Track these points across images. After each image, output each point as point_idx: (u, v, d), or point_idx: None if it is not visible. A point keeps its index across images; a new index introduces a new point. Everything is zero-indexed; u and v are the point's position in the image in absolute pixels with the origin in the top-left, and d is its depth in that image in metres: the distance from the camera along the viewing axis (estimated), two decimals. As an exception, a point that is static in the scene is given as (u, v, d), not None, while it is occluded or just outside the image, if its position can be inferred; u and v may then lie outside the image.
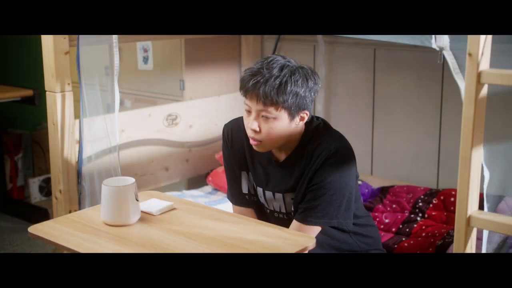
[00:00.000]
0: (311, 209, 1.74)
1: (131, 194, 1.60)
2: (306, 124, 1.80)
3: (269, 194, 1.86)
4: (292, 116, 1.71)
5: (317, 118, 1.86)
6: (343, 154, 1.73)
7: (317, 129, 1.80)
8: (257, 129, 1.71)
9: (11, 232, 3.52)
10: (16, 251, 3.27)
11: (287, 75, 1.68)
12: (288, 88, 1.67)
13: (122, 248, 1.49)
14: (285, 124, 1.71)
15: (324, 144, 1.74)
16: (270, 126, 1.70)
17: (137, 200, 1.63)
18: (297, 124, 1.75)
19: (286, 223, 1.81)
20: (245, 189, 1.93)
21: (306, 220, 1.75)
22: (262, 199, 1.90)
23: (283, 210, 1.86)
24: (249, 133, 1.74)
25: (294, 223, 1.77)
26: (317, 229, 1.77)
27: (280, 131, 1.71)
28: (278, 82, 1.66)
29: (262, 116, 1.70)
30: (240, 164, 1.90)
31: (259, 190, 1.89)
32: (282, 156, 1.82)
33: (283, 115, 1.70)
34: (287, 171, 1.81)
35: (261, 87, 1.66)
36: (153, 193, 1.87)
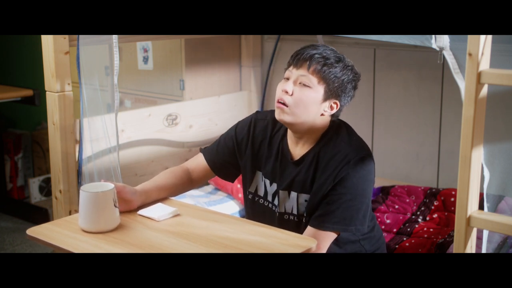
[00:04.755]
0: (327, 214, 1.71)
1: (109, 200, 1.57)
2: (330, 121, 1.79)
3: (283, 193, 1.83)
4: (326, 95, 1.72)
5: (341, 120, 1.86)
6: (361, 163, 1.71)
7: (338, 132, 1.79)
8: (290, 91, 1.72)
9: (11, 232, 3.52)
10: (16, 251, 3.27)
11: (339, 59, 1.74)
12: (336, 68, 1.72)
13: (120, 250, 1.49)
14: (317, 100, 1.72)
15: (342, 153, 1.72)
16: (303, 93, 1.71)
17: (116, 207, 1.60)
18: (325, 111, 1.75)
19: (295, 227, 1.78)
20: (252, 188, 1.91)
21: (322, 225, 1.71)
22: (274, 199, 1.86)
23: (295, 212, 1.82)
24: (279, 95, 1.74)
25: (309, 229, 1.73)
26: (332, 236, 1.73)
27: (309, 104, 1.72)
28: (329, 57, 1.72)
29: (300, 83, 1.72)
30: (257, 160, 1.89)
31: (272, 188, 1.86)
32: (299, 152, 1.80)
33: (320, 90, 1.71)
34: (303, 171, 1.78)
35: (312, 54, 1.71)
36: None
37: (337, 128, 1.80)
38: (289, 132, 1.82)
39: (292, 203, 1.82)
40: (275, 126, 1.88)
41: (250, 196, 1.93)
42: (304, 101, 1.71)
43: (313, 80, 1.71)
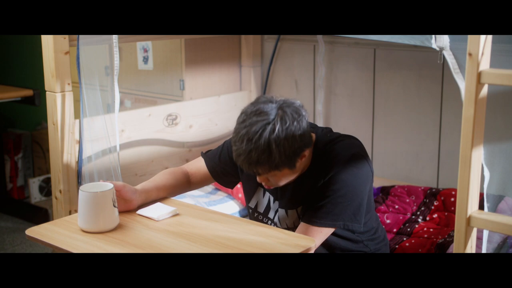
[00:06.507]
0: (315, 209, 1.71)
1: (108, 200, 1.57)
2: (314, 145, 1.77)
3: (282, 212, 1.84)
4: (292, 164, 1.68)
5: (322, 129, 1.83)
6: (353, 160, 1.71)
7: (328, 141, 1.77)
8: (267, 184, 1.74)
9: (11, 232, 3.52)
10: (16, 251, 3.28)
11: (267, 141, 1.59)
12: (272, 155, 1.61)
13: (120, 250, 1.49)
14: (289, 172, 1.70)
15: (334, 153, 1.73)
16: (276, 179, 1.71)
17: (115, 207, 1.60)
18: (302, 161, 1.72)
19: None
20: (252, 204, 1.91)
21: (310, 220, 1.71)
22: (275, 217, 1.86)
23: (297, 224, 1.81)
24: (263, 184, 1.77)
25: (300, 225, 1.74)
26: (323, 232, 1.72)
27: (289, 177, 1.72)
28: (261, 156, 1.61)
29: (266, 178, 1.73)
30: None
31: (275, 206, 1.86)
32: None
33: (284, 169, 1.68)
34: (300, 188, 1.79)
35: (248, 166, 1.65)
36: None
37: (324, 145, 1.77)
38: None
39: (293, 218, 1.83)
40: None
41: (250, 211, 1.94)
42: (283, 180, 1.72)
43: (271, 175, 1.69)
